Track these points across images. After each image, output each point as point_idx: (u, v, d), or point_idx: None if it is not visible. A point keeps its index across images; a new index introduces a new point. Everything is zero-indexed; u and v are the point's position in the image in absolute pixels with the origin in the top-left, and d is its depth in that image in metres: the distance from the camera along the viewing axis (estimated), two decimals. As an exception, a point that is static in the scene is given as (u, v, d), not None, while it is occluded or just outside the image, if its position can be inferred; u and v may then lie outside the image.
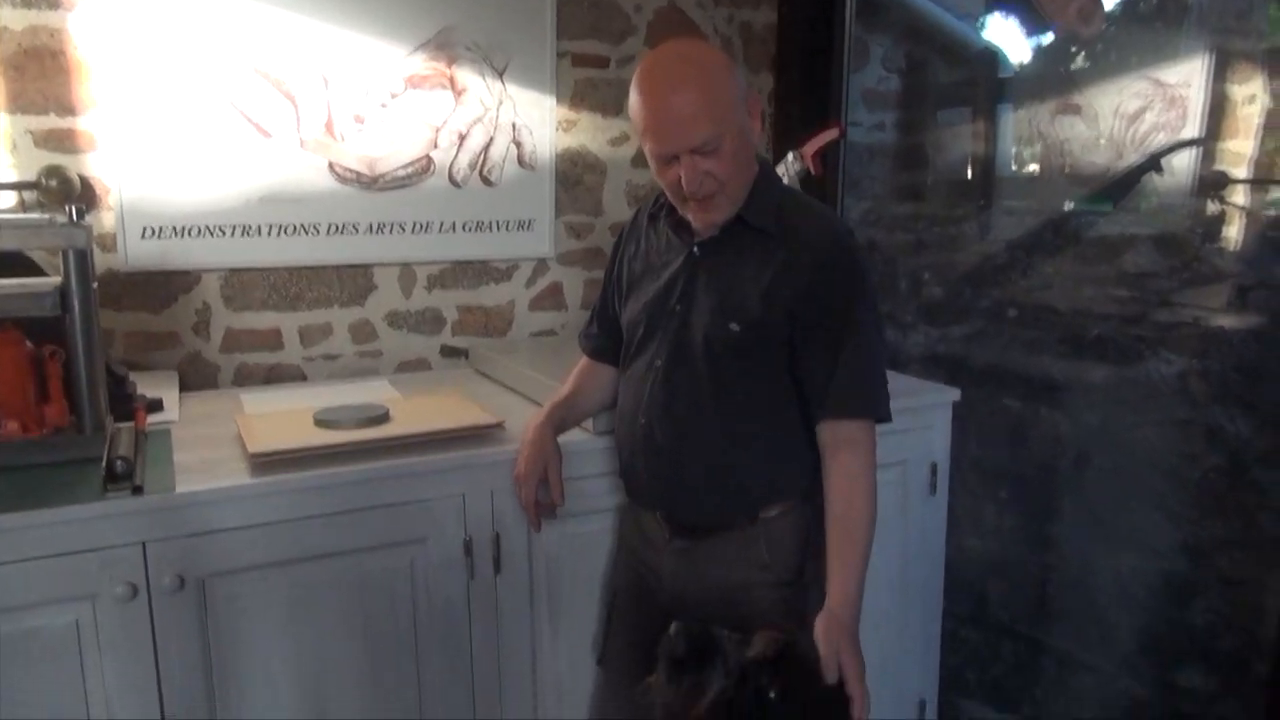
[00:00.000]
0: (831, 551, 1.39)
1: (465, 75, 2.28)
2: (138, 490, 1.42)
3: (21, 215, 1.75)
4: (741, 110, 1.39)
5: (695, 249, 1.48)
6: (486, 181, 2.37)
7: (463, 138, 2.31)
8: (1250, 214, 2.21)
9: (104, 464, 1.45)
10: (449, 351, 2.44)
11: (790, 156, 1.88)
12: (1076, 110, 2.57)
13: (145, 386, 1.88)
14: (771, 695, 1.19)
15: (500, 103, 2.33)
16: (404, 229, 2.30)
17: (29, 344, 1.58)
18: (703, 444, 1.48)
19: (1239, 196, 2.23)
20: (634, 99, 1.39)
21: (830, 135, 1.87)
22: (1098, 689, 2.50)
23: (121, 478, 1.43)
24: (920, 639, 2.20)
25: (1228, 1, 2.24)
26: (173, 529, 1.44)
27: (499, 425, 1.72)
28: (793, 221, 1.44)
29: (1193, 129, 2.26)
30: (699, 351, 1.46)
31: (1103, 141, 2.50)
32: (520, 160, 2.39)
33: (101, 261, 2.02)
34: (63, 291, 1.52)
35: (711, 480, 1.49)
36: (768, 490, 1.49)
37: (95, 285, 1.59)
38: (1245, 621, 2.21)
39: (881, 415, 1.45)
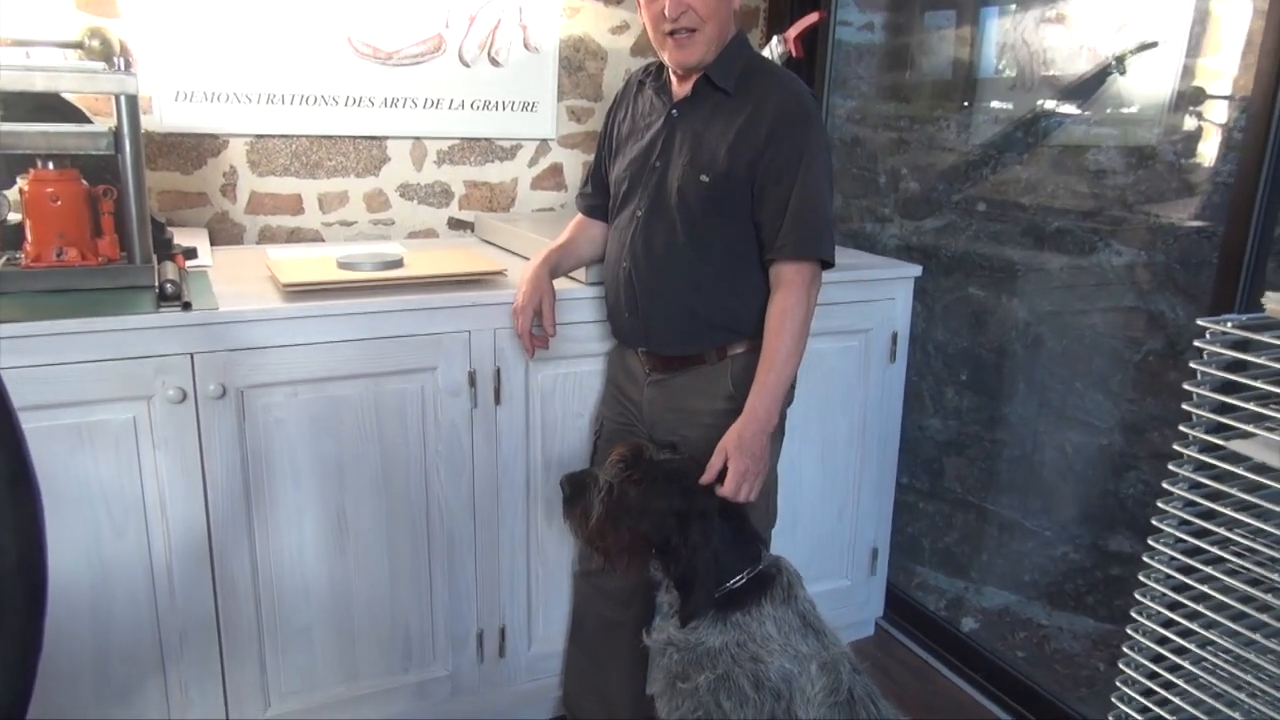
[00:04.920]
0: (755, 376, 1.62)
1: (476, -42, 2.43)
2: (187, 306, 1.63)
3: (79, 63, 1.92)
4: None
5: (674, 110, 1.68)
6: (494, 62, 2.53)
7: (473, 20, 2.47)
8: (1224, 128, 2.36)
9: (157, 285, 1.66)
10: (456, 223, 2.63)
11: (774, 40, 2.05)
12: (1060, 20, 2.71)
13: (179, 240, 2.08)
14: (631, 491, 1.50)
15: (509, -13, 2.48)
16: (416, 104, 2.47)
17: (85, 183, 1.77)
18: (676, 284, 1.70)
19: (1218, 113, 2.37)
20: None
21: (810, 20, 2.03)
22: (1038, 553, 2.76)
23: (172, 297, 1.64)
24: (875, 494, 2.45)
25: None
26: (217, 343, 1.65)
27: (501, 273, 1.93)
28: (757, 83, 1.64)
29: (1176, 44, 2.38)
30: (674, 201, 1.67)
31: (1084, 51, 2.64)
32: (526, 44, 2.55)
33: (139, 121, 2.19)
34: (116, 134, 1.71)
35: (683, 316, 1.71)
36: (732, 325, 1.71)
37: (142, 130, 1.78)
38: (1170, 491, 2.44)
39: (824, 258, 1.65)
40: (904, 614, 2.66)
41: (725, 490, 1.51)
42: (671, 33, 1.59)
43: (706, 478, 1.52)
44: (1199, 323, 1.25)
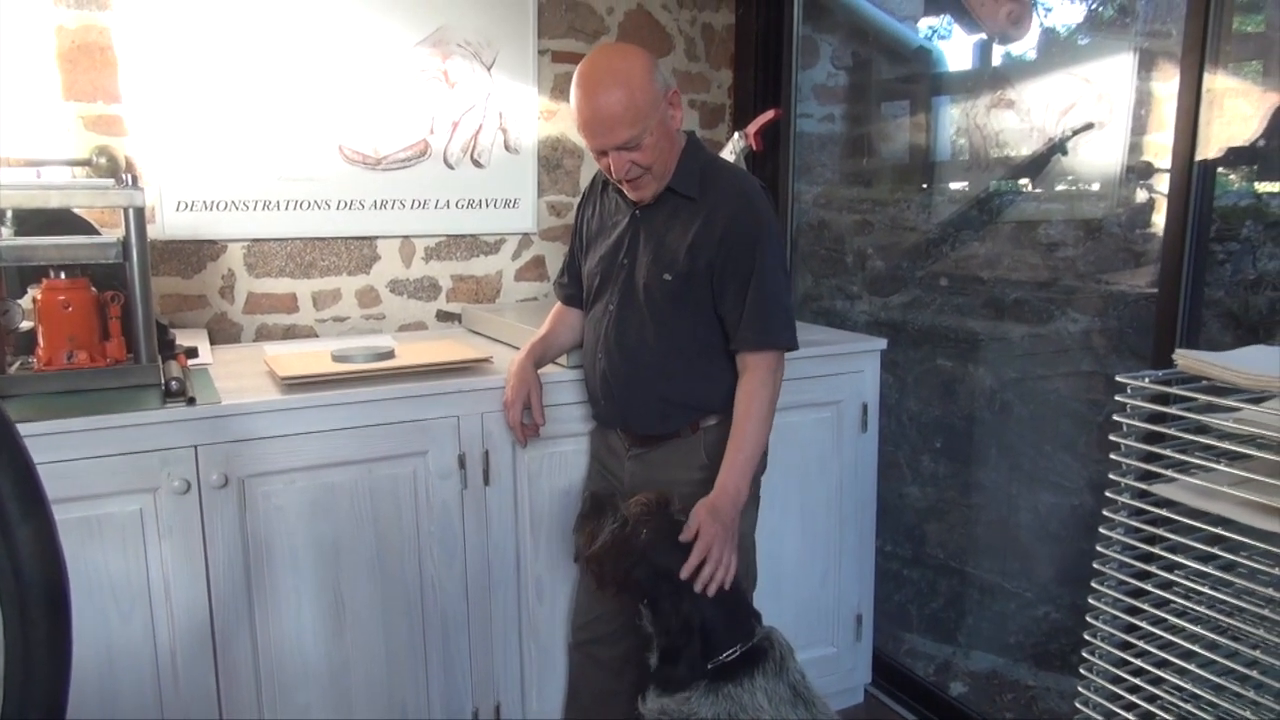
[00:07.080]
0: (725, 453, 1.73)
1: (458, 69, 2.61)
2: (191, 401, 1.73)
3: (90, 180, 2.06)
4: (662, 105, 1.68)
5: (637, 212, 1.82)
6: (477, 164, 2.69)
7: (456, 125, 2.64)
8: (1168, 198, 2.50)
9: (162, 382, 1.76)
10: (444, 316, 2.76)
11: (736, 136, 2.21)
12: (1010, 104, 2.90)
13: (181, 340, 2.19)
14: (643, 534, 1.59)
15: (489, 94, 2.66)
16: (404, 205, 2.63)
17: (94, 290, 1.89)
18: (648, 371, 1.82)
19: (1165, 185, 2.51)
20: (572, 100, 1.70)
21: (768, 116, 2.20)
22: (1021, 615, 2.82)
23: (177, 393, 1.75)
24: (856, 560, 2.52)
25: (1153, 8, 2.55)
26: (219, 435, 1.75)
27: (488, 360, 2.04)
28: (712, 186, 1.77)
29: (1118, 124, 2.54)
30: (642, 297, 1.80)
31: (1034, 133, 2.82)
32: (506, 145, 2.72)
33: (143, 230, 2.33)
34: (124, 244, 1.84)
35: (655, 401, 1.83)
36: (702, 404, 1.83)
37: (149, 240, 1.91)
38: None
39: (784, 346, 1.77)
40: (892, 680, 2.70)
41: (694, 562, 1.58)
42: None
43: (687, 538, 1.60)
44: (1118, 379, 1.36)
